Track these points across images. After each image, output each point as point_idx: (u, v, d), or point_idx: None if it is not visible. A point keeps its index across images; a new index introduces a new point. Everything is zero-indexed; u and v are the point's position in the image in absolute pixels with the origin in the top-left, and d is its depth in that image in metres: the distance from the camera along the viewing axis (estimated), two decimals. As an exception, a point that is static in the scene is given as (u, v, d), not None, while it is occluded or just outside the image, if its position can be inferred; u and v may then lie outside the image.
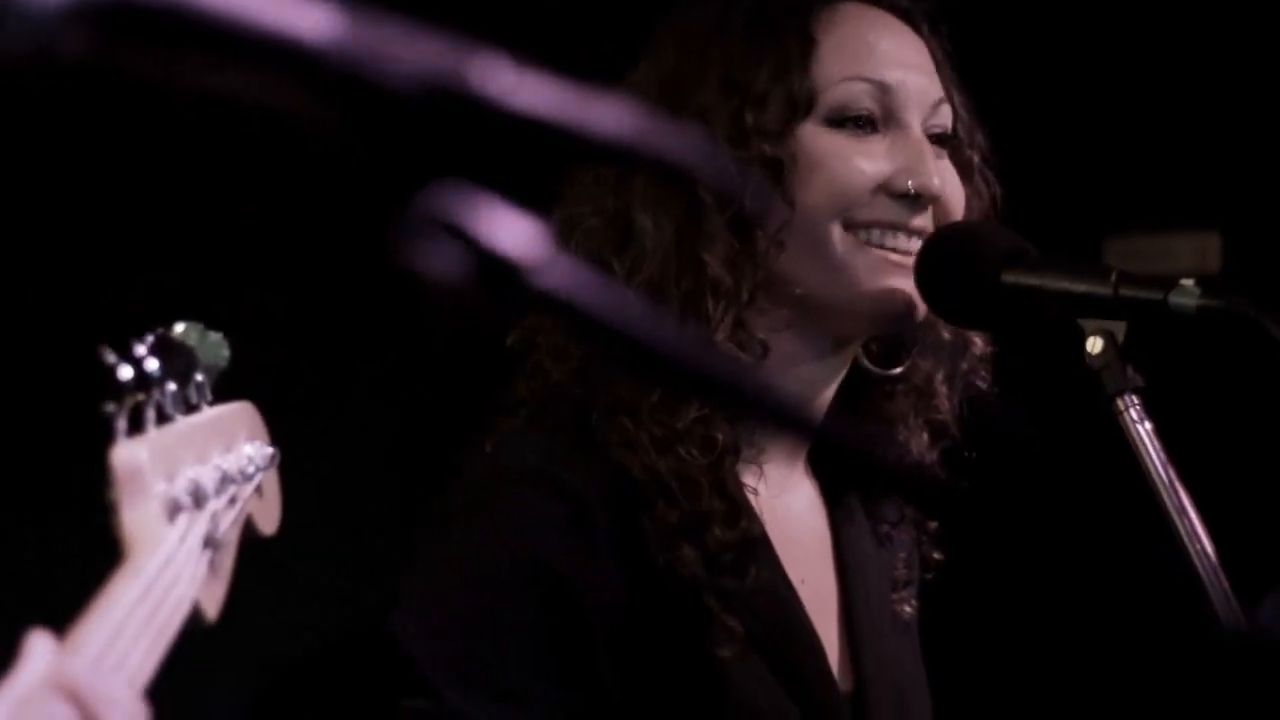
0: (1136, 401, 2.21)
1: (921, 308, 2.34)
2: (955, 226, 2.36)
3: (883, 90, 2.34)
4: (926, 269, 2.31)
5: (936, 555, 2.55)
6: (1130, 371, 2.23)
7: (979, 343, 2.48)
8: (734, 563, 2.29)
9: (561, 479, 2.24)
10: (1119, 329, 2.25)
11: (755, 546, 2.32)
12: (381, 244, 1.05)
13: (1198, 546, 2.14)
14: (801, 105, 2.31)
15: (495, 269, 1.07)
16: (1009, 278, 2.28)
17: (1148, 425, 2.20)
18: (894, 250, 2.33)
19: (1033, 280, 2.28)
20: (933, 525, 2.54)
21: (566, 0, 3.93)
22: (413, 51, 1.03)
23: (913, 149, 2.34)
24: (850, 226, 2.32)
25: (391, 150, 1.04)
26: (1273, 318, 2.16)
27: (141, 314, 1.53)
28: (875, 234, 2.32)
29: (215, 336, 1.48)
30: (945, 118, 2.40)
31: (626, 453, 2.27)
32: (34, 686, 1.24)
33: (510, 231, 1.08)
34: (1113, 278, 2.25)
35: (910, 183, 2.32)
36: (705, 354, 1.17)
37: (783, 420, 1.78)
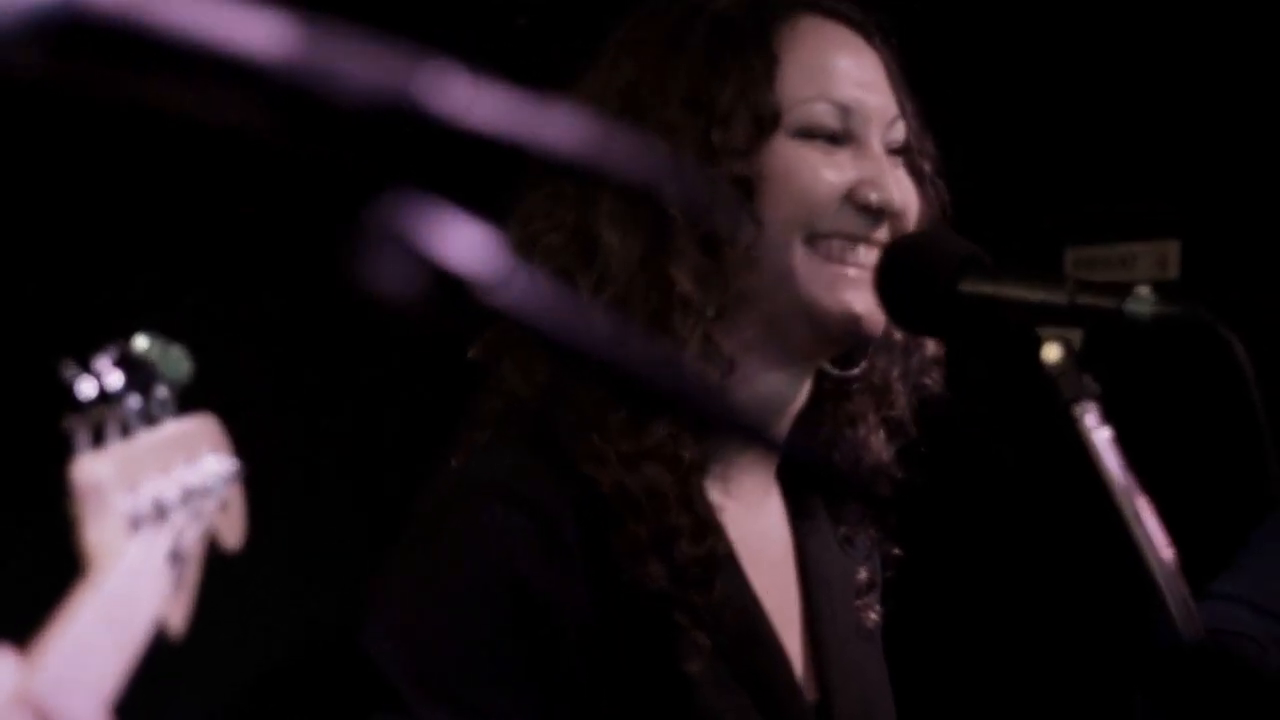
0: (1094, 408, 2.22)
1: (880, 320, 2.36)
2: (912, 236, 2.38)
3: (844, 110, 2.37)
4: (884, 278, 2.32)
5: (895, 551, 2.57)
6: (1087, 379, 2.24)
7: (930, 344, 2.52)
8: (700, 578, 2.30)
9: (529, 493, 2.25)
10: (1076, 337, 2.26)
11: (721, 561, 2.33)
12: (337, 256, 1.05)
13: (1155, 553, 2.15)
14: (768, 123, 2.34)
15: (449, 282, 1.07)
16: (966, 286, 2.29)
17: (1105, 432, 2.20)
18: (853, 265, 2.35)
19: (990, 289, 2.29)
20: (890, 520, 2.56)
21: (518, 10, 3.93)
22: (364, 64, 1.03)
23: (874, 163, 2.37)
24: (812, 240, 2.34)
25: (344, 163, 1.05)
26: (1228, 324, 2.18)
27: (102, 327, 1.53)
28: (835, 246, 2.35)
29: (177, 349, 1.48)
30: (900, 132, 2.43)
31: (595, 468, 2.28)
32: None
33: (464, 244, 1.08)
34: (1069, 286, 2.26)
35: (874, 196, 2.35)
36: (670, 370, 1.17)
37: (747, 437, 1.79)
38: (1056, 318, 2.26)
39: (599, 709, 2.25)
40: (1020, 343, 2.28)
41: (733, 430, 1.72)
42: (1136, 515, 2.17)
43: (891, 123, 2.42)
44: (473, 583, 2.24)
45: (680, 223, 2.28)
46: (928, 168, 2.48)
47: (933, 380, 2.52)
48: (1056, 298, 2.26)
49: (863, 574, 2.56)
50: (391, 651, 2.23)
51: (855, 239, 2.36)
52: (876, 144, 2.39)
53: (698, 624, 2.29)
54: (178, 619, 1.45)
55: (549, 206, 2.34)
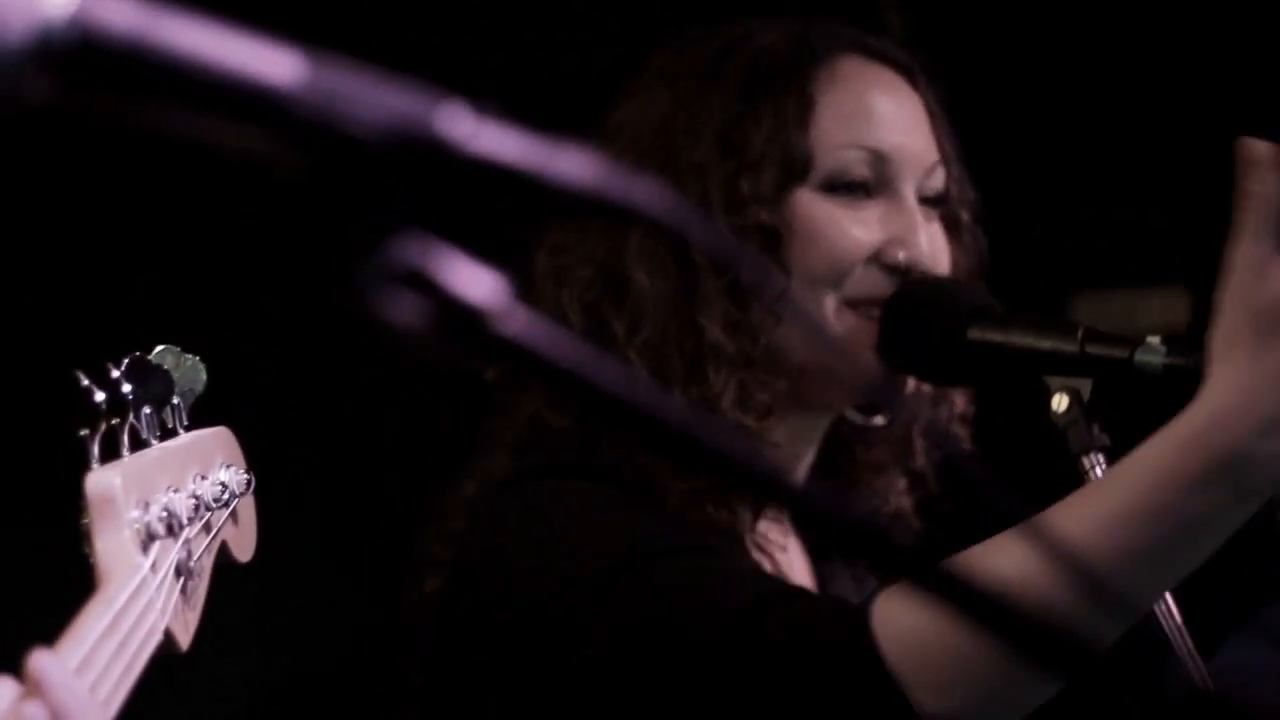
0: (1102, 460, 2.20)
1: (911, 379, 2.33)
2: (921, 282, 2.32)
3: (879, 158, 2.30)
4: (892, 324, 2.29)
5: None
6: (1096, 430, 2.22)
7: (959, 400, 2.46)
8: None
9: (605, 466, 2.21)
10: (1085, 386, 2.25)
11: None
12: (346, 282, 1.05)
13: (1161, 606, 2.13)
14: (797, 170, 2.28)
15: (459, 318, 1.07)
16: (974, 334, 2.26)
17: (1112, 484, 2.19)
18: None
19: (998, 337, 2.26)
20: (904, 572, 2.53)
21: (532, 49, 3.94)
22: (377, 99, 1.03)
23: (905, 218, 2.31)
24: (844, 302, 2.29)
25: (355, 197, 1.04)
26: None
27: (117, 339, 1.53)
28: (864, 309, 2.29)
29: (192, 361, 1.47)
30: (939, 179, 2.37)
31: (660, 502, 2.23)
32: None
33: (474, 281, 1.08)
34: (1079, 334, 2.23)
35: (902, 255, 2.29)
36: (683, 416, 1.17)
37: (764, 490, 1.78)
38: (1065, 367, 2.25)
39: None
40: (1028, 392, 2.27)
41: (747, 483, 1.71)
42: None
43: (930, 170, 2.35)
44: (596, 524, 2.18)
45: (706, 268, 2.25)
46: (965, 216, 2.41)
47: (958, 434, 2.45)
48: (1066, 347, 2.24)
49: None
50: (581, 574, 2.14)
51: (877, 299, 2.29)
52: (910, 194, 2.32)
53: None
54: (185, 634, 1.44)
55: (578, 238, 2.31)
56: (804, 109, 2.29)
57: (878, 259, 2.29)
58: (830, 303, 2.28)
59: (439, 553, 2.25)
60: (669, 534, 2.17)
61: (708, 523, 2.24)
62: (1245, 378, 1.99)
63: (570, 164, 1.07)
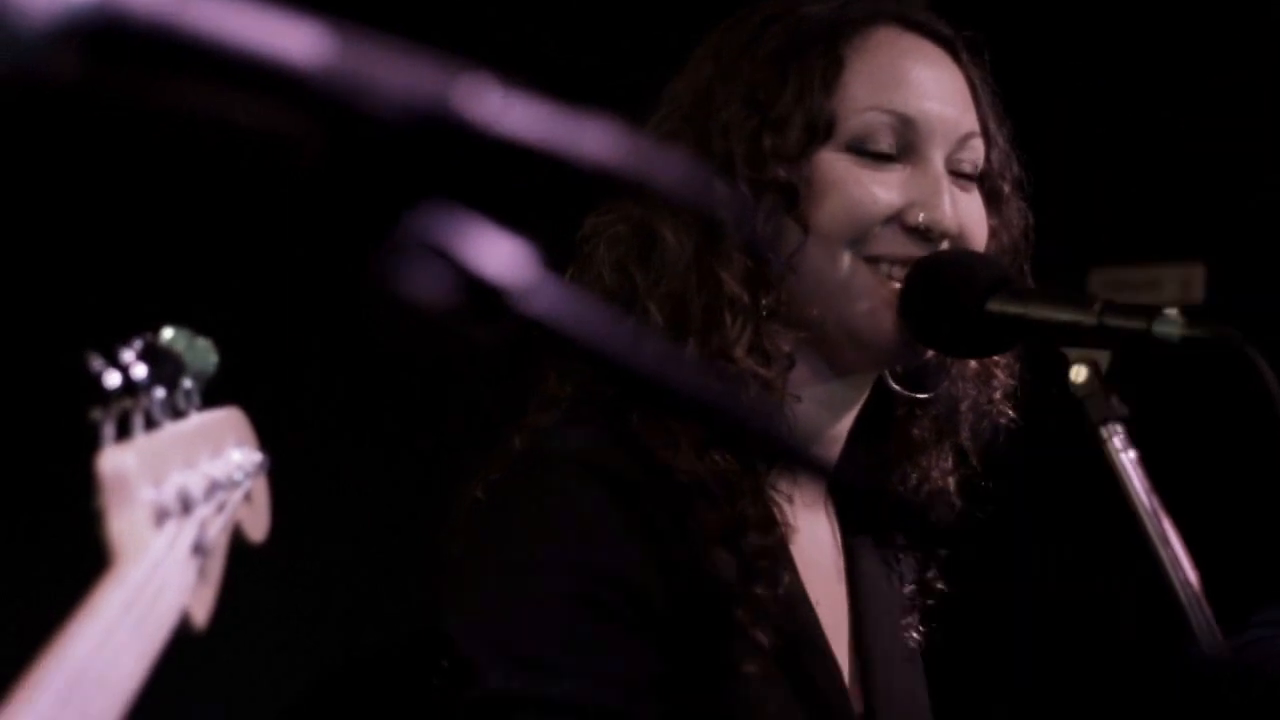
0: (1121, 430, 2.20)
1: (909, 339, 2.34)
2: (942, 254, 2.34)
3: (904, 123, 2.32)
4: (911, 296, 2.30)
5: (941, 585, 2.54)
6: (1114, 401, 2.23)
7: (1001, 375, 2.47)
8: (767, 570, 2.28)
9: (607, 468, 2.22)
10: (1103, 358, 2.25)
11: (786, 557, 2.32)
12: (369, 258, 1.05)
13: (1180, 575, 2.14)
14: (820, 130, 2.30)
15: (482, 292, 1.07)
16: (994, 306, 2.28)
17: (1132, 454, 2.19)
18: (898, 279, 2.32)
19: (1017, 309, 2.28)
20: (941, 553, 2.53)
21: (555, 22, 3.93)
22: (400, 74, 1.03)
23: (929, 183, 2.32)
24: (862, 258, 2.31)
25: (378, 172, 1.04)
26: (1256, 347, 2.17)
27: (129, 319, 1.53)
28: (884, 268, 2.31)
29: (203, 342, 1.47)
30: (975, 151, 2.38)
31: (668, 453, 2.25)
32: None
33: (497, 255, 1.08)
34: (1097, 307, 2.24)
35: (922, 217, 2.31)
36: (712, 382, 1.17)
37: (794, 458, 1.77)
38: (1084, 339, 2.25)
39: (658, 693, 2.22)
40: (1046, 364, 2.27)
41: (777, 450, 1.71)
42: (1162, 537, 2.16)
43: (963, 140, 2.36)
44: (548, 559, 2.21)
45: (726, 224, 2.24)
46: (1008, 189, 2.43)
47: (1005, 413, 2.47)
48: (1085, 318, 2.25)
49: (906, 593, 2.53)
50: (470, 628, 2.21)
51: (904, 262, 2.31)
52: (938, 161, 2.34)
53: (758, 621, 2.25)
54: (202, 611, 1.44)
55: (618, 200, 2.34)
56: (832, 71, 2.31)
57: (898, 220, 2.31)
58: (847, 259, 2.30)
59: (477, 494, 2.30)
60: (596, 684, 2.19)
61: (716, 473, 2.25)
62: None
63: (594, 139, 1.07)
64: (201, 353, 1.45)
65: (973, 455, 2.47)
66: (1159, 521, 2.17)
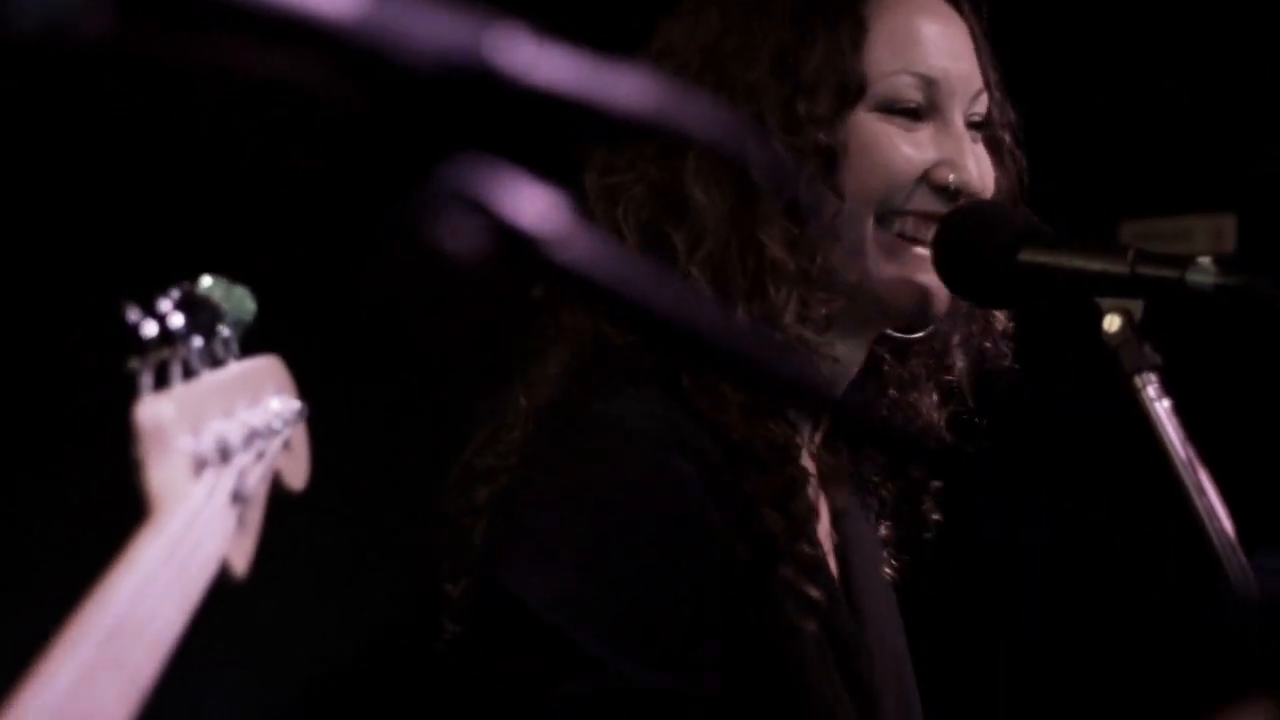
0: (1154, 379, 2.20)
1: (944, 300, 2.36)
2: (973, 205, 2.35)
3: (929, 84, 2.35)
4: (944, 246, 2.31)
5: (936, 516, 2.56)
6: (1148, 350, 2.23)
7: (1000, 317, 2.50)
8: (812, 530, 2.30)
9: (693, 442, 2.23)
10: (1136, 307, 2.25)
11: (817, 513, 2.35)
12: (403, 210, 1.05)
13: (1215, 524, 2.14)
14: (853, 93, 2.32)
15: (517, 244, 1.07)
16: (1025, 256, 2.28)
17: (1166, 403, 2.19)
18: (924, 244, 2.34)
19: (1049, 259, 2.28)
20: (935, 484, 2.55)
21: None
22: (433, 25, 1.03)
23: (955, 142, 2.36)
24: (885, 216, 2.34)
25: (413, 124, 1.04)
26: (1289, 296, 2.16)
27: (167, 268, 1.52)
28: (910, 224, 2.34)
29: (241, 290, 1.47)
30: (982, 105, 2.41)
31: (721, 416, 2.26)
32: None
33: (532, 206, 1.08)
34: (1129, 256, 2.24)
35: (951, 177, 2.34)
36: (764, 347, 1.17)
37: (838, 421, 1.78)
38: (1117, 288, 2.25)
39: (746, 661, 2.23)
40: (1079, 314, 2.27)
41: (799, 397, 1.71)
42: (1197, 486, 2.16)
43: (976, 95, 2.40)
44: (655, 528, 2.19)
45: (766, 189, 2.26)
46: (1008, 138, 2.46)
47: (998, 350, 2.50)
48: (1117, 268, 2.24)
49: (881, 530, 2.56)
50: (572, 607, 2.17)
51: (930, 218, 2.34)
52: (959, 118, 2.37)
53: (810, 577, 2.27)
54: (242, 560, 1.44)
55: (631, 157, 2.32)
56: (858, 34, 2.32)
57: (927, 179, 2.34)
58: (874, 221, 2.33)
59: (492, 463, 2.29)
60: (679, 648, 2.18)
61: (767, 438, 2.26)
62: None
63: (628, 88, 1.07)
64: (239, 301, 1.45)
65: (965, 392, 2.50)
66: (1194, 471, 2.17)
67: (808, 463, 2.36)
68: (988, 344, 2.49)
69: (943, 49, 2.37)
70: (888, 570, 2.56)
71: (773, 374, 1.28)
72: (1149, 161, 4.63)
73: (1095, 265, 2.26)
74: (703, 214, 2.28)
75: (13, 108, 3.30)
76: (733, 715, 2.20)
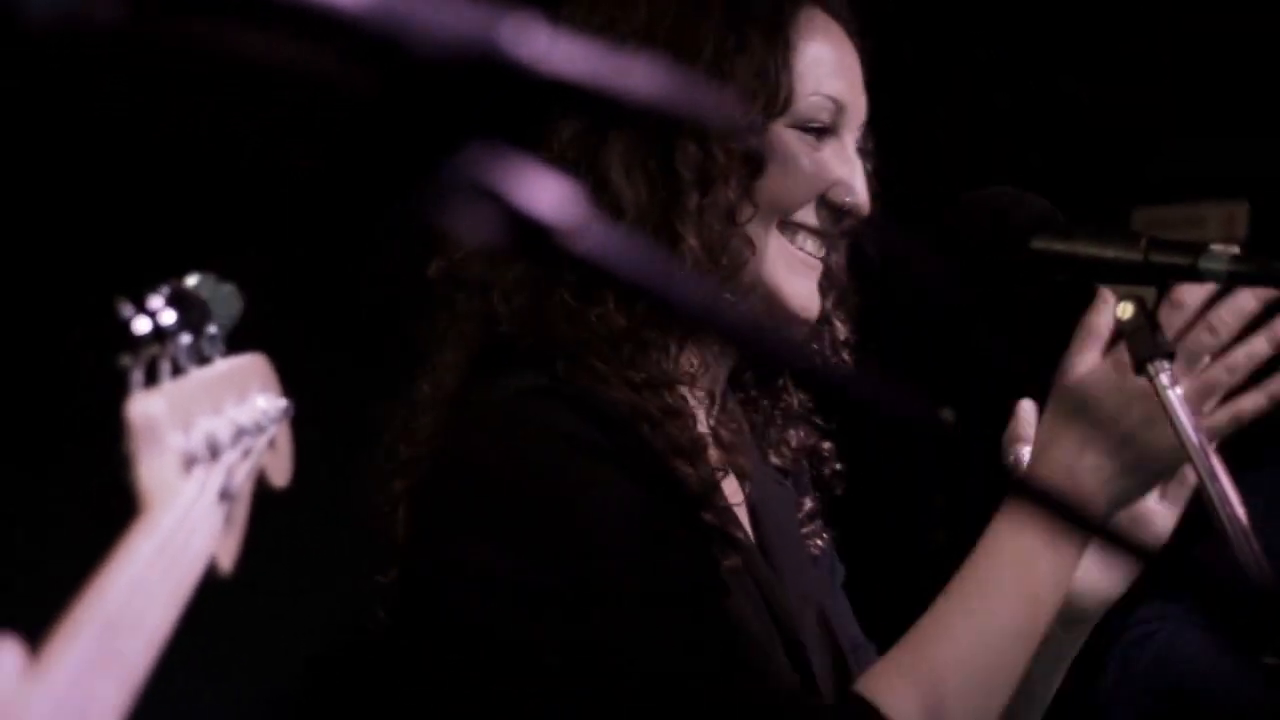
0: (1167, 367, 2.19)
1: (817, 310, 2.45)
2: (986, 192, 2.35)
3: (838, 107, 2.44)
4: (957, 232, 2.30)
5: (837, 466, 2.62)
6: (1160, 337, 2.22)
7: (843, 328, 2.57)
8: (720, 483, 2.37)
9: (582, 394, 2.28)
10: (1149, 295, 2.24)
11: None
12: (402, 206, 1.04)
13: (1228, 509, 2.13)
14: (780, 106, 2.39)
15: (531, 230, 1.06)
16: (1039, 244, 2.28)
17: (1178, 390, 2.18)
18: (813, 256, 2.43)
19: (1062, 246, 2.28)
20: (828, 445, 2.61)
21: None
22: (447, 14, 1.02)
23: (849, 165, 2.44)
24: (785, 226, 2.41)
25: (426, 113, 1.03)
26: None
27: (153, 266, 1.51)
28: (805, 239, 2.42)
29: (228, 287, 1.46)
30: (862, 134, 2.49)
31: (605, 389, 2.31)
32: None
33: (545, 194, 1.07)
34: (1142, 243, 2.24)
35: (848, 198, 2.42)
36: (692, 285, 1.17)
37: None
38: (1129, 275, 2.24)
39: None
40: (1081, 300, 2.28)
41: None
42: (1210, 472, 2.15)
43: (863, 124, 2.48)
44: (603, 476, 2.23)
45: (690, 184, 2.33)
46: (870, 166, 2.52)
47: (839, 358, 2.56)
48: (1131, 255, 2.24)
49: (806, 504, 2.61)
50: (545, 561, 2.20)
51: (821, 235, 2.42)
52: (851, 143, 2.46)
53: (729, 521, 2.35)
54: (228, 557, 1.44)
55: (551, 135, 2.35)
56: (788, 51, 2.39)
57: (825, 197, 2.42)
58: (775, 228, 2.40)
59: (406, 454, 2.34)
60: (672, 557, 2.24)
61: (659, 405, 2.32)
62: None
63: (640, 77, 1.06)
64: (226, 298, 1.44)
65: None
66: (1206, 457, 2.16)
67: (703, 428, 2.41)
68: (829, 353, 2.56)
69: (848, 77, 2.45)
70: (818, 541, 2.61)
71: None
72: (1161, 149, 4.63)
73: (1109, 252, 2.26)
74: (621, 197, 2.33)
75: (8, 102, 3.29)
76: (700, 633, 2.23)
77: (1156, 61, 4.55)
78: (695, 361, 2.39)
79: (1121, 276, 2.25)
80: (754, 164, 2.36)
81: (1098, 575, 2.43)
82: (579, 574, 2.19)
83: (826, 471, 2.61)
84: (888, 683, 2.23)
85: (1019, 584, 2.25)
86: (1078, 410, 2.28)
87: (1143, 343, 2.22)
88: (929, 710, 2.21)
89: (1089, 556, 2.37)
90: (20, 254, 3.48)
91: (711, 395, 2.45)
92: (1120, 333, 2.23)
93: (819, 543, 2.61)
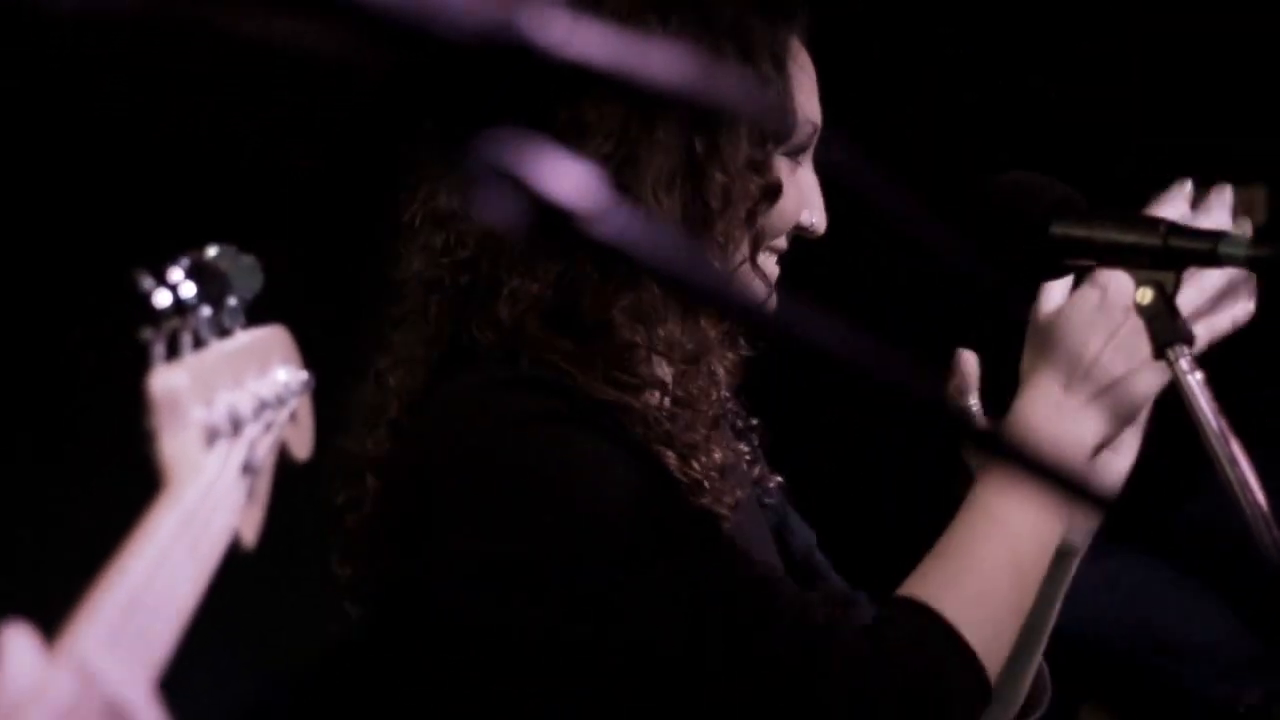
0: (1187, 352, 2.19)
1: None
2: (1006, 178, 2.35)
3: (815, 130, 2.47)
4: (976, 217, 2.30)
5: (754, 421, 2.63)
6: (1180, 322, 2.22)
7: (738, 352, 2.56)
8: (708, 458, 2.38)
9: (554, 380, 2.27)
10: (1168, 280, 2.23)
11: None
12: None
13: (1249, 496, 2.12)
14: (786, 133, 2.41)
15: (552, 215, 1.06)
16: (1059, 229, 2.28)
17: (1198, 375, 2.18)
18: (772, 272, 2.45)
19: (1082, 231, 2.28)
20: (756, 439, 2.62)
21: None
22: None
23: (813, 187, 2.46)
24: (764, 249, 2.42)
25: (447, 97, 1.03)
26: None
27: (175, 239, 1.51)
28: (774, 261, 2.44)
29: (249, 259, 1.45)
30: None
31: (582, 381, 2.30)
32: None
33: (566, 179, 1.07)
34: (1162, 229, 2.24)
35: (815, 220, 2.45)
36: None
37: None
38: (1149, 260, 2.24)
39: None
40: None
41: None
42: (1230, 458, 2.15)
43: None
44: (589, 450, 2.23)
45: (718, 212, 2.33)
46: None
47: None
48: (1150, 240, 2.24)
49: (777, 478, 2.63)
50: (548, 543, 2.19)
51: (781, 253, 2.45)
52: (810, 164, 2.47)
53: (713, 498, 2.35)
54: (251, 531, 1.43)
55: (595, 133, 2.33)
56: (789, 80, 2.41)
57: (798, 220, 2.44)
58: (763, 255, 2.42)
59: (373, 450, 2.33)
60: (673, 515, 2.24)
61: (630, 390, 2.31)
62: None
63: (660, 59, 1.06)
64: (246, 270, 1.43)
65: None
66: (1226, 443, 2.15)
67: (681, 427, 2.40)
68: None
69: (816, 98, 2.47)
70: (769, 487, 2.62)
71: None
72: (1178, 133, 4.63)
73: (1128, 237, 2.26)
74: (650, 213, 2.31)
75: (24, 78, 3.29)
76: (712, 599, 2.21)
77: (1125, 60, 4.55)
78: (687, 378, 2.38)
79: (1141, 262, 2.25)
80: (772, 196, 2.37)
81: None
82: (580, 546, 2.18)
83: (750, 435, 2.61)
84: (927, 587, 2.23)
85: (1029, 501, 2.27)
86: (1052, 343, 2.32)
87: (1162, 328, 2.21)
88: (979, 608, 2.22)
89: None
90: (41, 228, 3.48)
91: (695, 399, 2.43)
92: (1140, 318, 2.23)
93: (771, 487, 2.62)
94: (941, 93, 4.49)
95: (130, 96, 3.50)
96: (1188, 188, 2.31)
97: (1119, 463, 2.39)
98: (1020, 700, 2.51)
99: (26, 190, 3.47)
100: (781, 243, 2.43)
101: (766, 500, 2.62)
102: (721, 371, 2.43)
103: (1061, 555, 2.42)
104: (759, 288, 2.38)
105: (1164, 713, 3.64)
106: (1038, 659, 2.52)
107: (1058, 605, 2.51)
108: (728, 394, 2.50)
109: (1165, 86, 4.61)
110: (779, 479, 2.65)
